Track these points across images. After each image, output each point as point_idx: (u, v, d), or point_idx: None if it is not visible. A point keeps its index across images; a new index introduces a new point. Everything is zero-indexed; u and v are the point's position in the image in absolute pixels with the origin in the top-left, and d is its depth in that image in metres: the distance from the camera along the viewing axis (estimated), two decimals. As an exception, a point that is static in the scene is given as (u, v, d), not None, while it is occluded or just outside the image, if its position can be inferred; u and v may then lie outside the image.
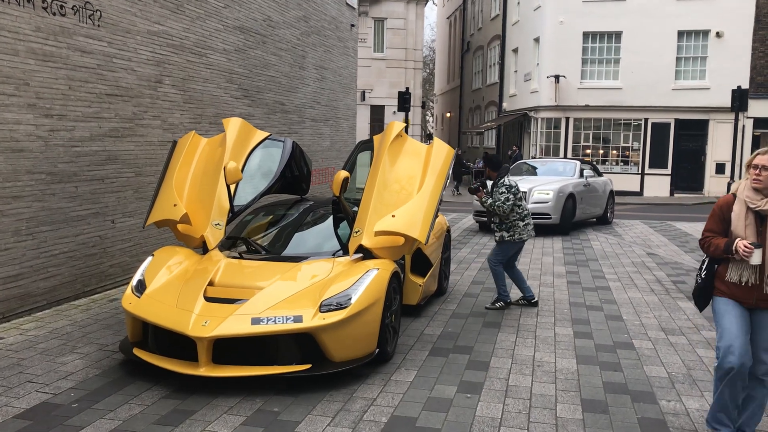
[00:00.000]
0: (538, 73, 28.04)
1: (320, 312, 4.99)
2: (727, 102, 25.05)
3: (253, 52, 11.31)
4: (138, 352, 5.22)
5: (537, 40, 28.22)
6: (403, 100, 16.99)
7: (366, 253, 5.96)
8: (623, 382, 5.23)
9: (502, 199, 7.12)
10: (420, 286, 7.02)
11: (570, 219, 14.46)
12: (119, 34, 7.88)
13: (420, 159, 6.47)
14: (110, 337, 6.13)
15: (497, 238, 7.39)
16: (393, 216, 5.83)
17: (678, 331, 6.70)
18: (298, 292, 5.27)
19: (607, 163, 27.41)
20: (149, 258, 5.91)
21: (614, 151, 27.56)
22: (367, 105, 28.98)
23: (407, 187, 6.23)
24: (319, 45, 14.54)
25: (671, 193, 26.94)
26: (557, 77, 26.82)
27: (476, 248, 12.06)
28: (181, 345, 5.02)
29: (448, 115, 46.98)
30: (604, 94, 26.99)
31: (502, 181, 7.23)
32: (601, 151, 27.57)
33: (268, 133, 7.20)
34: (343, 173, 6.12)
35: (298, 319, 4.92)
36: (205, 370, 4.82)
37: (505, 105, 32.60)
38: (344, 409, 4.62)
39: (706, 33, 26.34)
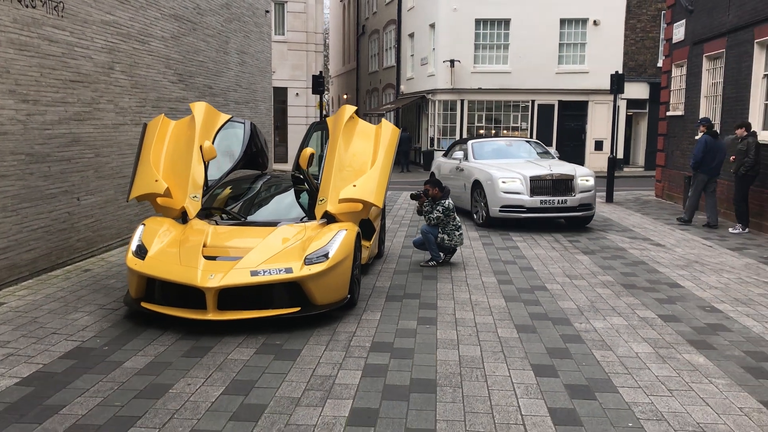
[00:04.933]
0: (434, 57, 29.60)
1: (305, 264, 6.04)
2: (604, 85, 27.42)
3: (185, 39, 11.95)
4: (146, 305, 6.07)
5: (432, 26, 29.75)
6: (318, 83, 17.95)
7: (329, 218, 7.03)
8: (544, 313, 6.62)
9: (435, 216, 8.71)
10: (367, 247, 8.16)
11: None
12: (78, 24, 8.45)
13: (371, 137, 7.59)
14: (104, 299, 6.89)
15: (439, 240, 8.74)
16: (354, 185, 6.94)
17: (580, 277, 8.21)
18: (284, 249, 6.29)
19: (499, 141, 29.41)
20: (141, 227, 6.71)
21: (505, 131, 29.64)
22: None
23: (363, 161, 7.34)
24: (239, 31, 15.23)
25: (556, 169, 29.30)
26: (452, 62, 28.48)
27: (397, 219, 13.32)
28: (186, 296, 5.92)
29: (345, 96, 47.99)
30: (495, 78, 28.95)
31: (443, 201, 8.74)
32: (494, 131, 29.57)
33: (229, 116, 8.09)
34: (310, 149, 7.17)
35: (288, 270, 5.95)
36: (213, 315, 5.77)
37: (402, 88, 34.05)
38: (333, 339, 5.72)
39: (584, 21, 28.79)
